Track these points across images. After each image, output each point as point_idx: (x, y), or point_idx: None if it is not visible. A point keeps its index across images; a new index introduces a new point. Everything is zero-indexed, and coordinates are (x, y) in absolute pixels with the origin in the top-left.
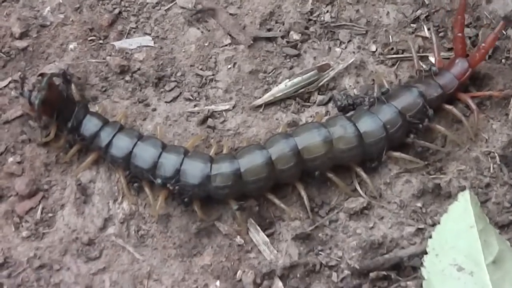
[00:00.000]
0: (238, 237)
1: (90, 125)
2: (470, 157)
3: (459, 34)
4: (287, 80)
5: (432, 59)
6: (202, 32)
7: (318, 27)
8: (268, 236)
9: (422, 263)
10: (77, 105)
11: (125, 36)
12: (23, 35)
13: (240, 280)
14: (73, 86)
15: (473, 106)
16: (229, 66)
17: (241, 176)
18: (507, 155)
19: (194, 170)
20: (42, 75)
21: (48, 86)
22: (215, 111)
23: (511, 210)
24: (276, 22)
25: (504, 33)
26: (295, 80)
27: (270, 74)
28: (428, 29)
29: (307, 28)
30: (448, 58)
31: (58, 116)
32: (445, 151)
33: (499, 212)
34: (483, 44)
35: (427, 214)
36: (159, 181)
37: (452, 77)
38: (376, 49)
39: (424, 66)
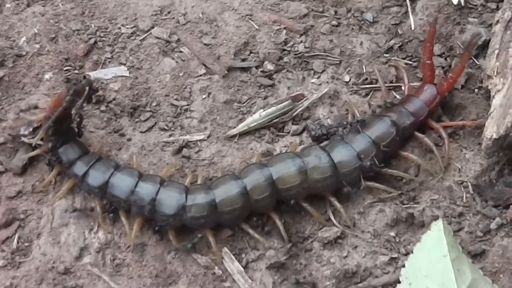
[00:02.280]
0: (214, 266)
1: (70, 151)
2: (443, 187)
3: (428, 61)
4: (262, 110)
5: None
6: (176, 62)
7: (292, 57)
8: (242, 265)
9: None
10: (70, 127)
11: (101, 66)
12: None
13: None
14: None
15: (444, 135)
16: (203, 96)
17: (216, 207)
18: (480, 185)
19: (169, 200)
20: (85, 77)
21: (83, 85)
22: (190, 141)
23: (483, 239)
24: (251, 52)
25: (476, 62)
26: (270, 110)
27: (244, 104)
28: (403, 58)
29: (281, 58)
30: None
31: (59, 121)
32: (418, 181)
33: (472, 241)
34: (450, 74)
35: (401, 243)
36: (134, 210)
37: (421, 103)
38: (350, 79)
39: (395, 95)
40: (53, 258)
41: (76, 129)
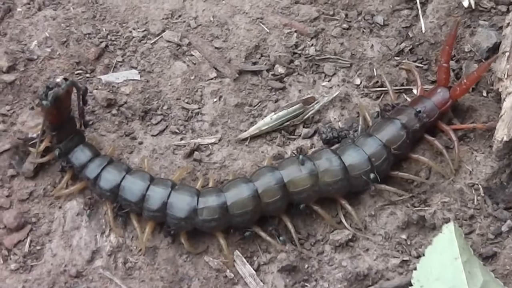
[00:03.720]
0: (225, 269)
1: (81, 155)
2: (454, 189)
3: (445, 64)
4: (273, 113)
5: (415, 91)
6: (188, 65)
7: (303, 60)
8: (254, 268)
9: None
10: (75, 130)
11: (112, 70)
12: (10, 69)
13: None
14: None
15: (454, 137)
16: (214, 100)
17: (227, 210)
18: (491, 187)
19: (181, 204)
20: (66, 79)
21: (67, 88)
22: (201, 144)
23: (495, 241)
24: (262, 56)
25: None
26: (281, 113)
27: (255, 107)
28: (414, 61)
29: (292, 61)
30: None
31: (58, 128)
32: (429, 183)
33: (483, 244)
34: (465, 81)
35: (412, 245)
36: (146, 214)
37: (433, 105)
38: (361, 82)
39: (406, 98)
40: (65, 261)
41: (82, 124)
